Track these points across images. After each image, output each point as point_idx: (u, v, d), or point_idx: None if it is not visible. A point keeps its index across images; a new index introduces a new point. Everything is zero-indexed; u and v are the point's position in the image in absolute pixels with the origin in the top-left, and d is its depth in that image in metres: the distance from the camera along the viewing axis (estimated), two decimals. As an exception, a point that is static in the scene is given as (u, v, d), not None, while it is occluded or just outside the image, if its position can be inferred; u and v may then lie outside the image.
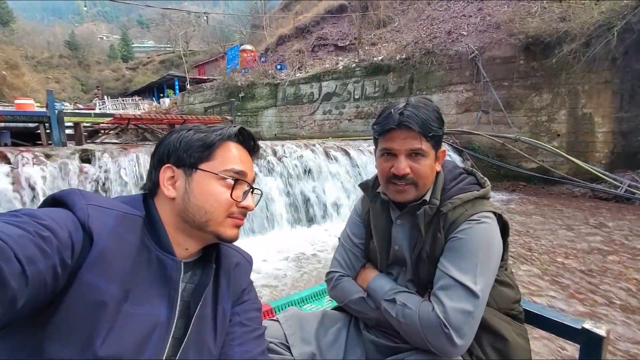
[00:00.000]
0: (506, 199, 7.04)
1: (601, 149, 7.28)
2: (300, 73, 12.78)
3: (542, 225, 5.04)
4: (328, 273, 1.23)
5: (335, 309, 1.25)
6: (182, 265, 0.71)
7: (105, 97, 23.84)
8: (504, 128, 8.22)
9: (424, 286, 1.05)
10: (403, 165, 1.01)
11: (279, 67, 13.91)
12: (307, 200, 5.42)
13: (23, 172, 3.54)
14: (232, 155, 0.75)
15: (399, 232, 1.11)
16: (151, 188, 0.75)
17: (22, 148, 3.86)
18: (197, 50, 43.45)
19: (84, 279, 0.56)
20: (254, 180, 0.79)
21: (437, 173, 1.10)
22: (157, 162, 0.75)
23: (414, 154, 1.01)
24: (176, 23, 42.53)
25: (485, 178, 1.11)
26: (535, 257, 3.82)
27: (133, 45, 68.30)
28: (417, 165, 1.01)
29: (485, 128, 8.40)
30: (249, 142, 0.80)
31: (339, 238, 1.30)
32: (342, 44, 13.93)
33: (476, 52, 8.48)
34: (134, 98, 26.03)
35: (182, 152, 0.73)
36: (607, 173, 6.79)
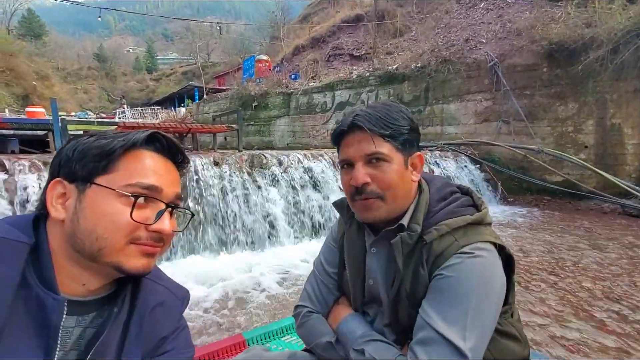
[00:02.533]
0: (529, 214, 6.58)
1: (631, 161, 6.76)
2: (314, 82, 12.72)
3: (568, 244, 4.61)
4: (296, 307, 1.02)
5: (306, 350, 1.02)
6: (66, 305, 0.56)
7: (125, 106, 24.64)
8: (525, 139, 7.78)
9: (404, 333, 0.83)
10: (360, 173, 0.81)
11: (292, 76, 13.93)
12: (312, 213, 5.18)
13: (19, 178, 3.48)
14: (142, 167, 0.60)
15: (374, 263, 0.89)
16: (41, 208, 0.61)
17: (20, 155, 3.81)
18: (218, 62, 44.64)
19: None
20: (178, 198, 0.64)
21: (421, 191, 0.87)
22: (50, 177, 0.61)
23: (374, 160, 0.80)
24: (199, 36, 43.87)
25: (483, 199, 0.86)
26: (559, 280, 3.43)
27: (157, 57, 70.98)
28: (378, 173, 0.80)
29: (506, 139, 7.98)
30: (171, 151, 0.65)
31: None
32: (358, 54, 13.83)
33: (496, 59, 8.14)
34: (153, 107, 26.81)
35: (75, 162, 0.59)
36: (637, 188, 6.28)
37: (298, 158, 5.64)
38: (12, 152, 4.91)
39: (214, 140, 7.29)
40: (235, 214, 4.53)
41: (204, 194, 4.35)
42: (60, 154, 0.61)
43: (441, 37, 10.34)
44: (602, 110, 6.99)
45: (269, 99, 13.37)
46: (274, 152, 5.88)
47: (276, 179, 5.18)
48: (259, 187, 4.95)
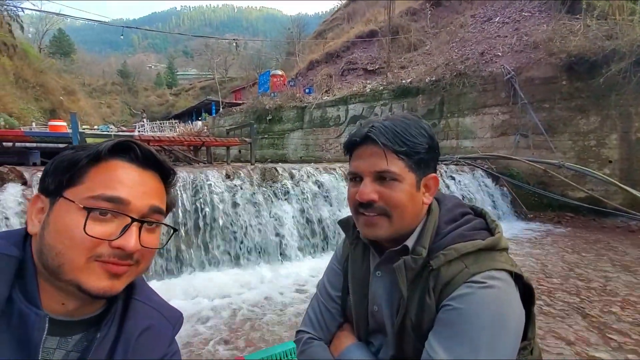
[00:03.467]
0: (550, 232, 6.31)
1: (660, 177, 6.42)
2: (328, 96, 12.81)
3: (594, 265, 4.36)
4: (297, 332, 0.95)
5: None
6: (48, 324, 0.53)
7: (145, 119, 25.45)
8: (545, 153, 7.53)
9: None
10: (367, 189, 0.75)
11: (307, 90, 14.08)
12: (323, 227, 5.10)
13: (35, 190, 3.56)
14: (109, 178, 0.56)
15: (379, 288, 0.82)
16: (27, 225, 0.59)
17: (40, 167, 3.91)
18: (236, 77, 45.83)
19: None
20: (156, 211, 0.59)
21: (429, 211, 0.80)
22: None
23: (384, 177, 0.74)
24: (217, 52, 45.27)
25: (498, 222, 0.79)
26: (585, 305, 3.21)
27: (177, 73, 73.43)
28: (389, 191, 0.74)
29: (525, 153, 7.75)
30: (148, 162, 0.60)
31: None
32: (372, 68, 13.90)
33: (512, 72, 8.00)
34: (171, 121, 27.54)
35: (49, 176, 0.57)
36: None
37: (309, 172, 5.60)
38: (34, 164, 5.08)
39: (227, 154, 7.36)
40: (245, 228, 4.50)
41: (215, 207, 4.35)
42: (44, 169, 0.59)
43: (456, 50, 10.28)
44: (626, 123, 6.73)
45: (283, 112, 13.53)
46: (286, 166, 5.87)
47: (287, 192, 5.15)
48: (270, 201, 4.92)
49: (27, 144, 5.15)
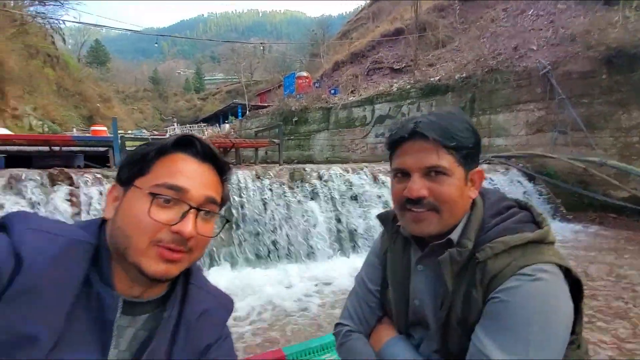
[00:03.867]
0: (592, 233, 5.97)
1: None
2: (354, 97, 12.77)
3: (638, 268, 4.08)
4: (336, 325, 0.97)
5: None
6: (121, 303, 0.59)
7: (176, 123, 26.42)
8: (585, 150, 7.14)
9: None
10: (417, 185, 0.74)
11: (332, 91, 14.10)
12: (351, 228, 5.09)
13: (83, 192, 3.78)
14: (172, 169, 0.61)
15: (421, 282, 0.82)
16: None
17: (84, 170, 4.15)
18: (261, 80, 46.71)
19: (4, 315, 0.48)
20: (211, 202, 0.64)
21: (473, 205, 0.79)
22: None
23: (433, 172, 0.74)
24: (243, 56, 46.29)
25: (544, 215, 0.77)
26: (630, 311, 3.01)
27: (205, 78, 75.72)
28: (438, 186, 0.73)
29: (563, 150, 7.37)
30: (206, 156, 0.65)
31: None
32: (398, 67, 13.72)
33: (548, 67, 7.64)
34: (199, 124, 28.41)
35: (123, 167, 0.64)
36: None
37: (338, 171, 5.61)
38: (78, 166, 5.41)
39: (255, 155, 7.50)
40: (275, 227, 4.57)
41: (245, 207, 4.44)
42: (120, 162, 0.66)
43: (487, 46, 9.95)
44: (674, 118, 6.26)
45: (309, 114, 13.61)
46: (314, 166, 5.91)
47: (316, 192, 5.17)
48: (299, 201, 4.96)
49: (73, 148, 5.51)
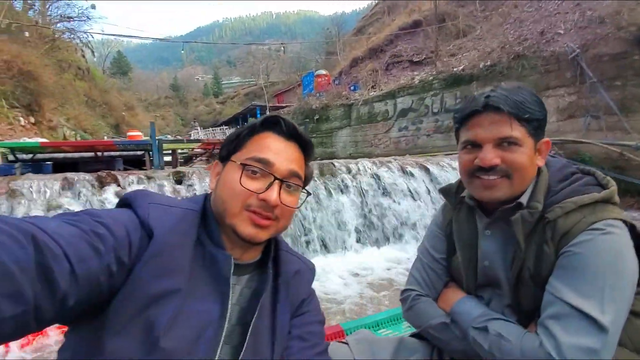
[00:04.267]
0: (630, 219, 5.73)
1: None
2: (374, 92, 12.72)
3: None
4: (403, 291, 1.03)
5: (413, 335, 1.04)
6: (233, 262, 0.66)
7: (199, 128, 27.09)
8: (620, 134, 6.87)
9: (527, 315, 0.82)
10: (491, 154, 0.79)
11: (352, 87, 14.09)
12: (381, 219, 5.13)
13: (126, 190, 4.00)
14: (261, 145, 0.70)
15: (490, 246, 0.88)
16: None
17: (128, 172, 4.38)
18: (277, 81, 47.14)
19: (140, 275, 0.56)
20: (294, 175, 0.71)
21: (539, 172, 0.84)
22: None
23: (505, 143, 0.79)
24: (258, 59, 46.87)
25: (609, 178, 0.82)
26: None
27: (222, 82, 77.06)
28: (510, 155, 0.79)
29: (597, 135, 7.12)
30: (292, 134, 0.73)
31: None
32: (418, 59, 13.56)
33: (577, 50, 7.39)
34: (222, 127, 29.00)
35: (224, 147, 0.74)
36: None
37: (366, 165, 5.65)
38: (119, 169, 5.71)
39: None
40: (308, 221, 4.67)
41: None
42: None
43: (511, 32, 9.70)
44: None
45: (330, 111, 13.67)
46: (342, 161, 5.97)
47: (346, 185, 5.24)
48: (330, 194, 5.05)
49: (112, 153, 5.81)
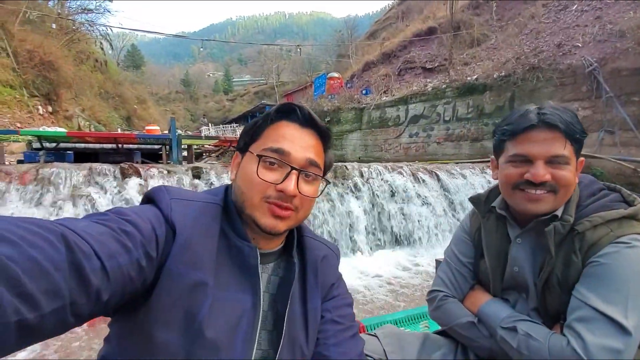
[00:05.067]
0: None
1: None
2: (386, 97, 12.76)
3: None
4: (430, 292, 1.10)
5: (437, 333, 1.11)
6: (258, 253, 0.67)
7: (209, 124, 27.27)
8: (635, 151, 6.84)
9: (552, 318, 0.88)
10: (542, 171, 0.84)
11: (364, 92, 14.14)
12: (392, 223, 5.19)
13: (150, 184, 4.11)
14: (276, 135, 0.69)
15: (520, 252, 0.94)
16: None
17: (149, 165, 4.49)
18: (287, 81, 47.29)
19: (171, 269, 0.58)
20: (311, 164, 0.69)
21: None
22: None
23: (556, 162, 0.84)
24: (270, 58, 47.08)
25: (635, 196, 0.88)
26: None
27: (233, 80, 77.47)
28: (560, 172, 0.84)
29: (610, 151, 7.11)
30: (307, 122, 0.71)
31: (443, 258, 1.17)
32: (431, 66, 13.58)
33: (595, 64, 7.38)
34: (232, 125, 29.17)
35: (241, 138, 0.74)
36: None
37: (379, 170, 5.72)
38: (137, 162, 5.84)
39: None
40: (320, 222, 4.75)
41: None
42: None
43: (527, 43, 9.69)
44: None
45: (341, 114, 13.72)
46: (355, 164, 6.04)
47: (358, 188, 5.31)
48: (342, 197, 5.12)
49: (131, 146, 5.95)
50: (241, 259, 0.66)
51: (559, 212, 0.88)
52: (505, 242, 0.98)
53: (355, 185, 5.34)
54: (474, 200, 1.10)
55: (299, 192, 0.66)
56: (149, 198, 0.66)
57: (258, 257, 0.66)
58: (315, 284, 0.75)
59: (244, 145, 0.72)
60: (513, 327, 0.87)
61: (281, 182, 0.65)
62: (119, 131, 14.67)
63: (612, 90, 7.08)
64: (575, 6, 10.01)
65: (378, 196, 5.35)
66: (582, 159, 0.90)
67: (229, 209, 0.69)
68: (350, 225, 4.93)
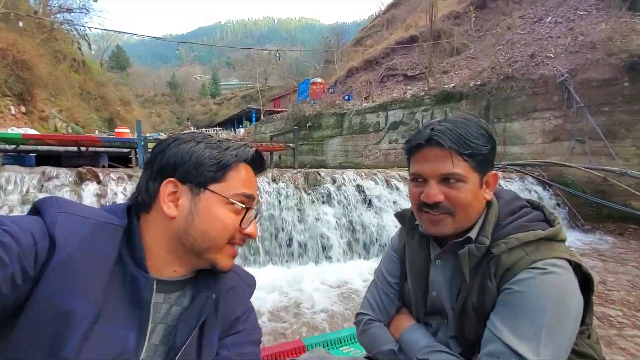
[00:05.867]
0: (611, 244, 5.85)
1: None
2: (367, 103, 12.83)
3: (664, 281, 4.00)
4: (357, 314, 1.04)
5: (367, 357, 1.04)
6: (155, 284, 0.63)
7: (192, 127, 26.95)
8: (605, 160, 7.02)
9: (470, 346, 0.82)
10: (433, 191, 0.80)
11: (346, 97, 14.19)
12: (365, 232, 5.14)
13: (110, 189, 3.96)
14: (243, 178, 0.69)
15: (439, 275, 0.88)
16: (146, 201, 0.67)
17: (111, 169, 4.34)
18: (275, 86, 47.24)
19: (41, 291, 0.52)
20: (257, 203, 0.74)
21: (489, 204, 0.85)
22: (156, 173, 0.67)
23: (448, 180, 0.79)
24: (257, 62, 46.99)
25: (556, 214, 0.83)
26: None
27: (221, 83, 77.03)
28: (454, 192, 0.79)
29: (581, 159, 7.27)
30: (259, 165, 0.74)
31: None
32: (412, 74, 13.74)
33: (566, 74, 7.57)
34: (215, 128, 28.89)
35: (191, 168, 0.66)
36: None
37: (352, 177, 5.68)
38: (103, 166, 5.65)
39: (270, 159, 7.62)
40: (290, 230, 4.66)
41: (261, 209, 4.55)
42: (171, 155, 0.66)
43: (503, 53, 9.90)
44: (699, 128, 6.11)
45: (323, 119, 13.72)
46: (329, 170, 5.98)
47: (330, 196, 5.25)
48: (314, 204, 5.05)
49: (97, 149, 5.75)
50: (134, 291, 0.61)
51: (473, 234, 0.82)
52: (428, 262, 0.92)
53: (328, 193, 5.28)
54: (399, 216, 1.04)
55: None
56: (36, 209, 0.59)
57: (153, 289, 0.63)
58: (215, 317, 0.70)
59: (202, 180, 0.65)
60: None
61: (248, 227, 0.68)
62: (97, 133, 14.30)
63: (582, 100, 7.26)
64: (550, 18, 10.29)
65: (350, 204, 5.30)
66: (494, 172, 0.85)
67: (133, 233, 0.64)
68: (320, 234, 4.86)
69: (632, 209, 6.51)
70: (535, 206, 0.88)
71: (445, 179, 0.80)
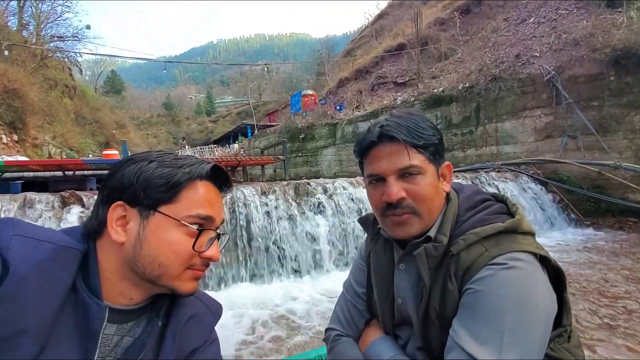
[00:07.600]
0: (611, 239, 5.75)
1: None
2: (359, 112, 12.90)
3: (667, 274, 3.89)
4: (326, 330, 0.96)
5: None
6: (108, 313, 0.58)
7: (187, 146, 27.10)
8: (598, 154, 6.98)
9: (437, 357, 0.74)
10: (394, 188, 0.74)
11: (338, 107, 14.26)
12: (357, 240, 5.04)
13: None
14: (199, 198, 0.63)
15: (403, 280, 0.81)
16: (96, 227, 0.61)
17: (95, 192, 4.26)
18: (269, 101, 47.75)
19: None
20: (222, 223, 0.67)
21: (449, 201, 0.79)
22: (106, 197, 0.62)
23: (407, 173, 0.74)
24: (251, 79, 47.60)
25: (519, 205, 0.76)
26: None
27: (215, 101, 77.72)
28: (414, 187, 0.73)
29: (574, 155, 7.23)
30: (221, 181, 0.68)
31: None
32: (402, 80, 13.85)
33: (553, 72, 7.60)
34: (210, 145, 29.03)
35: (139, 189, 0.60)
36: None
37: (343, 185, 5.61)
38: (91, 189, 5.57)
39: (262, 173, 7.57)
40: (281, 242, 4.57)
41: (250, 223, 4.46)
42: (118, 177, 0.61)
43: (489, 55, 10.00)
44: (689, 116, 6.09)
45: (315, 130, 13.77)
46: (320, 180, 5.93)
47: (322, 206, 5.17)
48: (305, 215, 4.97)
49: (85, 172, 5.68)
50: (84, 320, 0.57)
51: (432, 232, 0.76)
52: (392, 268, 0.85)
53: (319, 203, 5.20)
54: (361, 221, 0.97)
55: None
56: None
57: (104, 319, 0.58)
58: (171, 349, 0.64)
59: (151, 203, 0.59)
60: None
61: (207, 250, 0.62)
62: (90, 156, 14.29)
63: (571, 96, 7.27)
64: (533, 18, 10.43)
65: (342, 213, 5.22)
66: (447, 163, 0.81)
67: (89, 258, 0.59)
68: (312, 244, 4.76)
69: (630, 202, 6.43)
70: (499, 199, 0.82)
71: (404, 174, 0.75)
